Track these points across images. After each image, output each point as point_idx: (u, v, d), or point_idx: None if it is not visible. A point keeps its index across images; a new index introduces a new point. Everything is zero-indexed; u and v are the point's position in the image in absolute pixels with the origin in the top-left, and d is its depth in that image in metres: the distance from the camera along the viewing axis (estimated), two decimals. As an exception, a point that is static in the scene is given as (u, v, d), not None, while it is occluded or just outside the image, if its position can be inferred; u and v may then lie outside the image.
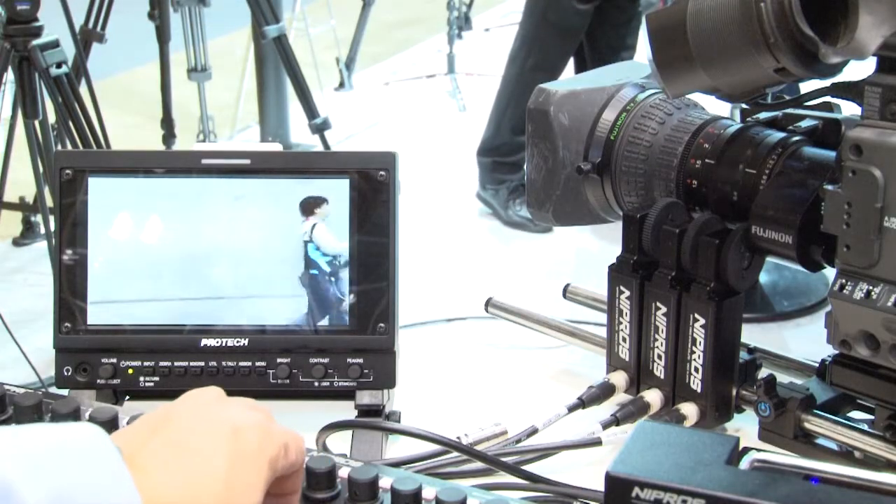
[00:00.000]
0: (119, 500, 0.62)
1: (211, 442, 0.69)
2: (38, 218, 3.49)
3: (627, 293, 1.13)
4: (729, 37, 0.96)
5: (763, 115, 1.15)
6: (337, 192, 1.12)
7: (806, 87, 1.10)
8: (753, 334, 1.20)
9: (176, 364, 1.12)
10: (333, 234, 1.12)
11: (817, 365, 1.13)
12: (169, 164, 1.14)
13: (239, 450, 0.69)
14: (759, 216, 1.06)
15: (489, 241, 3.15)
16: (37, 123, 2.59)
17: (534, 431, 1.09)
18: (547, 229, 3.29)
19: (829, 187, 0.97)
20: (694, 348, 1.08)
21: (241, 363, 1.12)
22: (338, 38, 5.57)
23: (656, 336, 1.12)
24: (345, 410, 1.12)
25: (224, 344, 1.12)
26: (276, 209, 1.13)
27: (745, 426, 1.12)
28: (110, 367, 1.12)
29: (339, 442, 1.06)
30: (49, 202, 2.60)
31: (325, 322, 1.12)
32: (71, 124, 2.56)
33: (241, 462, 0.69)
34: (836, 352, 1.01)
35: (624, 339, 1.15)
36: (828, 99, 1.07)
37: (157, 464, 0.67)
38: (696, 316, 1.08)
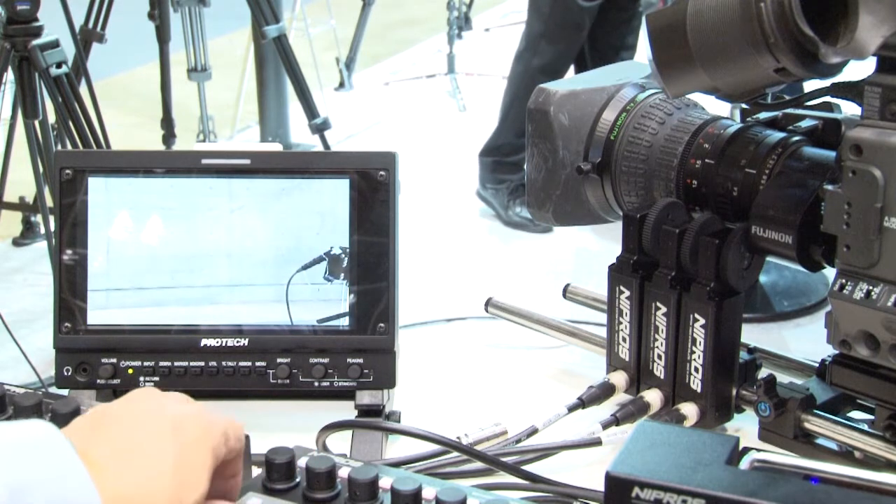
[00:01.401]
0: (76, 495, 0.64)
1: (155, 436, 0.71)
2: (38, 218, 3.50)
3: (627, 293, 1.13)
4: (729, 37, 0.96)
5: (763, 115, 1.15)
6: (337, 192, 1.12)
7: (806, 86, 1.10)
8: (753, 334, 1.20)
9: (176, 364, 1.12)
10: (333, 234, 1.12)
11: (817, 365, 1.13)
12: (169, 164, 1.14)
13: (182, 442, 0.71)
14: (759, 216, 1.06)
15: (489, 241, 3.15)
16: (37, 123, 2.59)
17: (534, 431, 1.09)
18: (547, 229, 3.29)
19: (829, 187, 0.97)
20: (694, 348, 1.08)
21: (241, 363, 1.12)
22: (338, 38, 5.57)
23: (656, 336, 1.12)
24: (345, 410, 1.12)
25: (224, 344, 1.12)
26: (276, 209, 1.13)
27: (745, 426, 1.12)
28: (110, 367, 1.12)
29: (339, 442, 1.06)
30: (49, 202, 2.60)
31: (325, 322, 1.12)
32: (71, 124, 2.56)
33: (186, 453, 0.71)
34: (836, 352, 1.01)
35: (624, 339, 1.15)
36: (828, 99, 1.07)
37: (107, 459, 0.68)
38: (696, 316, 1.08)
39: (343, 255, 1.12)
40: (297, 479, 0.80)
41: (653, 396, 1.13)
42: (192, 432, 0.73)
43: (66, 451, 0.65)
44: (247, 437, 0.96)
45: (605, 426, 1.09)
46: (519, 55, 3.66)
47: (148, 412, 0.74)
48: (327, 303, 1.12)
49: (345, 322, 1.12)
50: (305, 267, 1.12)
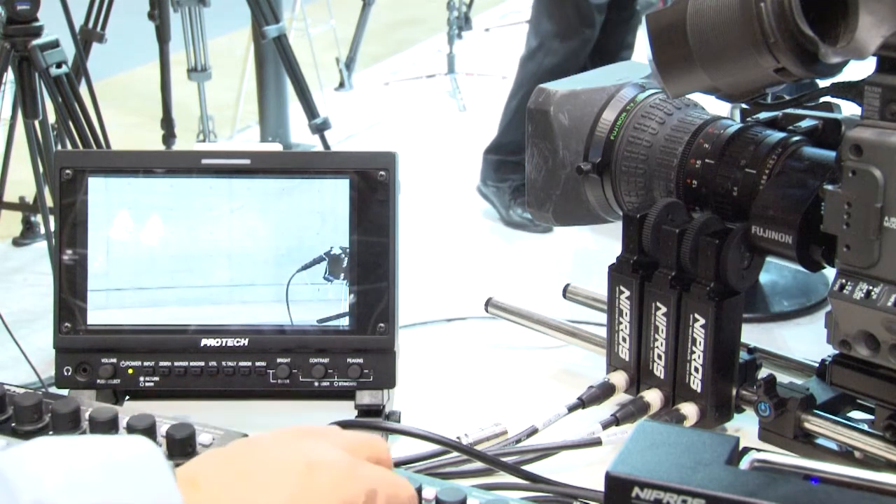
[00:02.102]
0: None
1: (278, 474, 0.67)
2: (38, 218, 3.50)
3: (627, 293, 1.13)
4: (729, 37, 0.96)
5: (763, 115, 1.15)
6: (337, 192, 1.12)
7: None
8: (753, 334, 1.20)
9: (176, 364, 1.12)
10: (334, 234, 1.12)
11: (817, 365, 1.13)
12: (169, 164, 1.14)
13: (308, 487, 0.66)
14: (759, 216, 1.06)
15: (490, 240, 3.15)
16: (37, 123, 2.59)
17: (534, 431, 1.09)
18: (547, 229, 3.28)
19: (829, 187, 0.97)
20: (694, 348, 1.08)
21: (241, 363, 1.12)
22: (338, 38, 5.57)
23: (656, 336, 1.12)
24: (345, 410, 1.12)
25: (224, 344, 1.12)
26: (277, 209, 1.13)
27: (745, 426, 1.12)
28: (110, 367, 1.12)
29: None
30: (49, 202, 2.60)
31: (325, 322, 1.12)
32: (71, 124, 2.56)
33: (307, 498, 0.66)
34: (836, 352, 1.01)
35: (624, 339, 1.15)
36: (828, 99, 1.07)
37: (217, 489, 0.65)
38: (696, 316, 1.08)
39: (343, 255, 1.12)
40: (297, 479, 0.80)
41: (653, 396, 1.13)
42: (324, 479, 0.67)
43: (162, 474, 0.62)
44: (246, 437, 0.96)
45: (605, 426, 1.09)
46: (530, 55, 3.64)
47: (287, 448, 0.69)
48: (327, 303, 1.12)
49: (345, 322, 1.12)
50: (305, 267, 1.12)
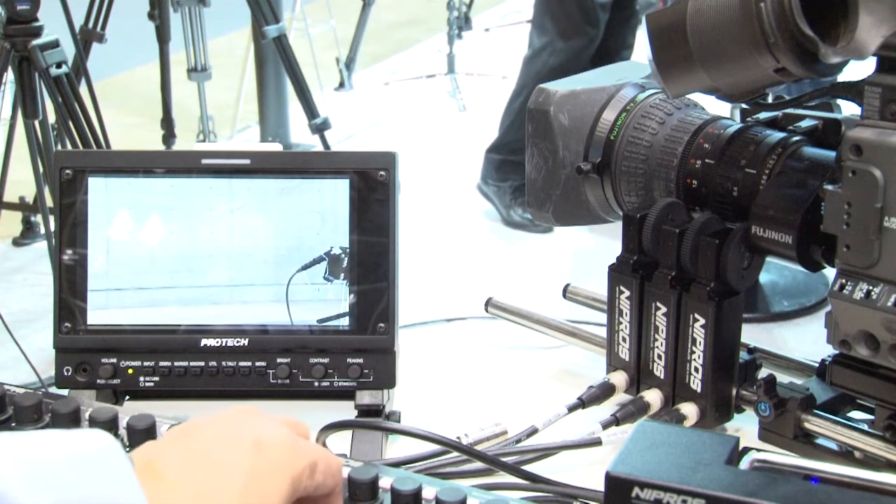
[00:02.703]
0: None
1: (231, 453, 0.69)
2: (38, 218, 3.50)
3: (627, 293, 1.13)
4: (729, 37, 0.96)
5: (763, 115, 1.15)
6: (337, 192, 1.12)
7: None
8: (753, 334, 1.20)
9: (176, 364, 1.12)
10: (334, 234, 1.12)
11: (817, 365, 1.13)
12: (169, 164, 1.14)
13: (259, 463, 0.69)
14: (759, 216, 1.06)
15: (490, 240, 3.15)
16: (37, 123, 2.59)
17: (534, 431, 1.09)
18: (547, 229, 3.28)
19: (829, 187, 0.97)
20: (694, 348, 1.08)
21: (241, 363, 1.12)
22: (338, 38, 5.57)
23: (656, 336, 1.12)
24: (345, 410, 1.12)
25: (224, 344, 1.12)
26: (277, 209, 1.13)
27: (745, 426, 1.12)
28: (110, 367, 1.12)
29: (339, 442, 1.06)
30: (49, 202, 2.60)
31: (325, 322, 1.12)
32: (71, 124, 2.56)
33: (261, 475, 0.68)
34: (836, 352, 1.01)
35: (624, 339, 1.15)
36: (828, 99, 1.07)
37: (175, 472, 0.66)
38: (696, 316, 1.08)
39: (343, 255, 1.12)
40: (297, 479, 0.80)
41: (653, 396, 1.13)
42: (273, 455, 0.70)
43: (122, 466, 0.63)
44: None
45: (605, 426, 1.09)
46: (533, 55, 3.63)
47: (233, 428, 0.71)
48: (327, 303, 1.12)
49: (345, 322, 1.12)
50: (305, 267, 1.12)
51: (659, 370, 1.12)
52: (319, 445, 0.76)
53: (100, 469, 0.62)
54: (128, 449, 0.94)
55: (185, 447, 0.69)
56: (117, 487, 0.62)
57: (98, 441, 0.64)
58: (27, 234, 3.66)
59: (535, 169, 1.28)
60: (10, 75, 2.55)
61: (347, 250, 1.12)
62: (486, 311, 1.39)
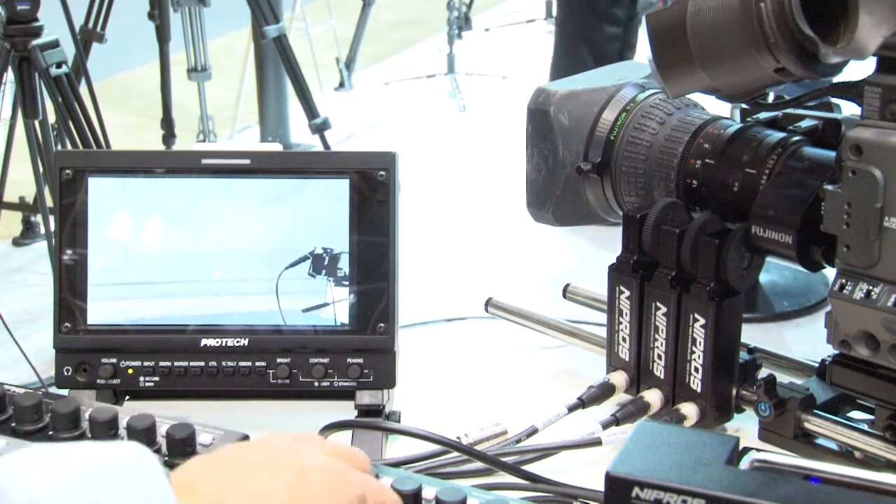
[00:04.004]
0: None
1: (273, 479, 0.67)
2: (38, 218, 3.49)
3: (627, 293, 1.13)
4: (729, 37, 0.96)
5: (763, 115, 1.15)
6: (337, 192, 1.12)
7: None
8: (753, 334, 1.20)
9: (176, 364, 1.12)
10: (333, 234, 1.12)
11: (817, 365, 1.13)
12: (169, 164, 1.14)
13: (301, 491, 0.67)
14: (759, 216, 1.06)
15: (490, 241, 3.15)
16: (37, 123, 2.59)
17: (534, 431, 1.09)
18: (547, 229, 3.26)
19: (829, 187, 0.97)
20: (694, 348, 1.08)
21: (241, 363, 1.12)
22: (338, 38, 5.57)
23: (656, 336, 1.12)
24: (345, 410, 1.12)
25: (224, 344, 1.12)
26: (276, 209, 1.13)
27: (745, 426, 1.12)
28: (110, 367, 1.12)
29: (340, 442, 1.06)
30: (49, 202, 2.60)
31: (325, 322, 1.12)
32: (71, 124, 2.55)
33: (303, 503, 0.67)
34: (836, 352, 1.01)
35: (624, 339, 1.15)
36: (828, 99, 1.07)
37: (213, 494, 0.65)
38: (696, 316, 1.08)
39: (343, 256, 1.12)
40: (297, 479, 0.80)
41: (653, 396, 1.13)
42: (317, 485, 0.68)
43: (157, 479, 0.62)
44: (247, 437, 0.96)
45: (605, 426, 1.09)
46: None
47: (279, 454, 0.70)
48: (327, 303, 1.12)
49: (345, 322, 1.12)
50: (305, 267, 1.12)
51: (659, 370, 1.12)
52: (373, 479, 0.73)
53: (135, 481, 0.61)
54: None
55: (226, 469, 0.68)
56: (152, 501, 0.61)
57: (134, 452, 0.63)
58: (27, 234, 3.66)
59: (535, 169, 1.28)
60: (10, 75, 2.55)
61: (347, 250, 1.12)
62: (486, 311, 1.39)
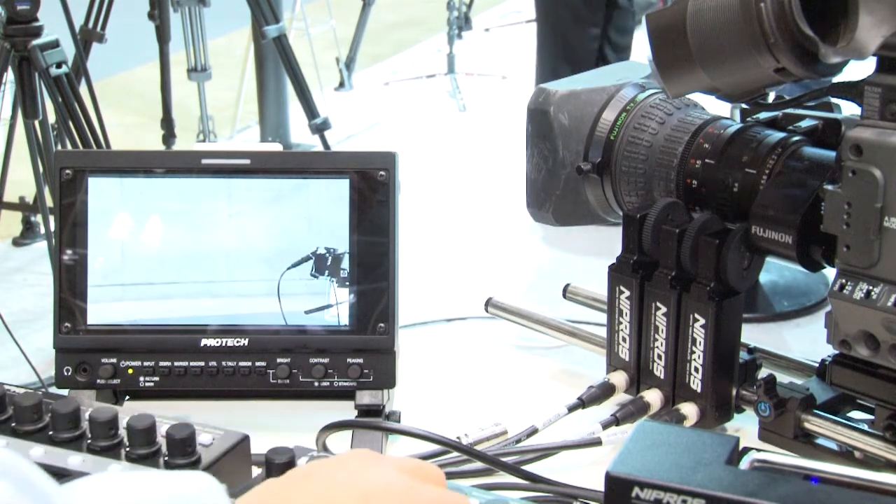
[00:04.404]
0: None
1: None
2: (38, 218, 3.49)
3: (627, 293, 1.13)
4: (729, 37, 0.96)
5: (763, 115, 1.15)
6: (337, 192, 1.12)
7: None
8: (753, 334, 1.20)
9: (176, 364, 1.12)
10: (333, 234, 1.12)
11: (817, 365, 1.13)
12: (169, 164, 1.14)
13: None
14: (759, 216, 1.06)
15: (490, 240, 3.15)
16: (37, 123, 2.59)
17: (534, 431, 1.09)
18: (547, 229, 3.27)
19: (829, 187, 0.97)
20: (694, 348, 1.08)
21: (241, 363, 1.12)
22: (338, 38, 5.57)
23: (656, 336, 1.12)
24: (345, 410, 1.12)
25: (224, 344, 1.12)
26: (276, 209, 1.13)
27: (745, 426, 1.12)
28: (110, 367, 1.12)
29: (339, 442, 1.06)
30: (49, 202, 2.60)
31: (325, 322, 1.12)
32: (71, 124, 2.55)
33: None
34: (836, 352, 1.01)
35: (624, 339, 1.15)
36: (828, 99, 1.07)
37: None
38: (696, 316, 1.08)
39: (343, 256, 1.12)
40: (297, 479, 0.80)
41: (653, 396, 1.13)
42: None
43: None
44: (247, 437, 0.97)
45: (605, 426, 1.09)
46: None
47: (343, 479, 0.68)
48: (327, 303, 1.12)
49: (345, 322, 1.12)
50: (305, 267, 1.12)
51: (659, 370, 1.12)
52: (444, 491, 0.71)
53: None
54: (127, 449, 0.94)
55: (291, 497, 0.67)
56: None
57: (201, 484, 0.63)
58: (27, 234, 3.66)
59: (535, 169, 1.28)
60: (10, 75, 2.55)
61: (347, 250, 1.12)
62: (486, 311, 1.39)
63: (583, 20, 3.22)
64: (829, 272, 1.03)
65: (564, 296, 1.39)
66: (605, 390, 1.15)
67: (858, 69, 0.97)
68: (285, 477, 0.70)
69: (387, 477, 0.69)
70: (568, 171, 1.24)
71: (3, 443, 0.94)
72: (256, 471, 0.96)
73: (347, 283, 1.12)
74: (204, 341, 1.12)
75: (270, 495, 0.68)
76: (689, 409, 1.10)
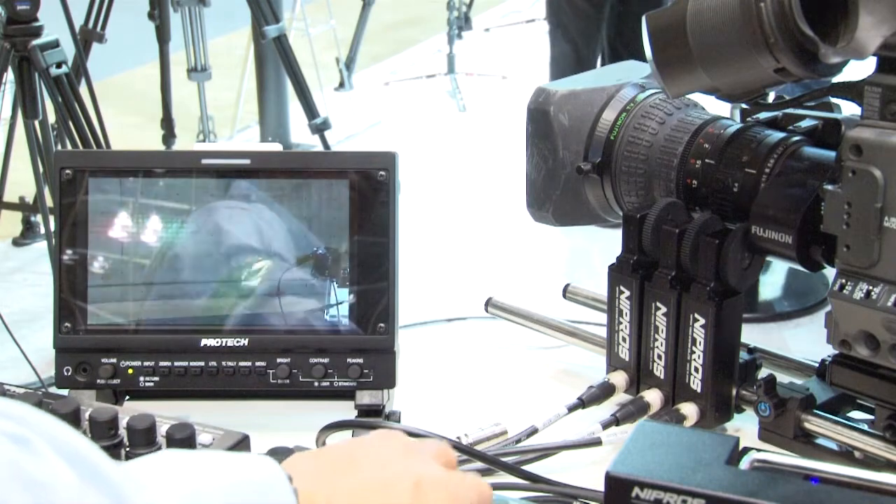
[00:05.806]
0: None
1: (393, 496, 0.68)
2: (38, 218, 3.49)
3: (627, 293, 1.13)
4: (729, 37, 0.96)
5: (763, 115, 1.15)
6: (337, 192, 1.12)
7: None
8: (753, 334, 1.20)
9: (176, 364, 1.12)
10: (333, 234, 1.12)
11: (817, 365, 1.13)
12: (169, 164, 1.14)
13: None
14: (759, 216, 1.06)
15: (490, 240, 3.14)
16: (37, 123, 2.58)
17: (534, 431, 1.09)
18: (546, 228, 3.26)
19: (829, 187, 0.97)
20: (694, 348, 1.08)
21: (241, 363, 1.12)
22: (338, 38, 5.57)
23: (656, 336, 1.12)
24: (345, 410, 1.12)
25: (224, 344, 1.12)
26: (276, 209, 1.13)
27: (745, 426, 1.12)
28: (110, 367, 1.12)
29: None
30: (49, 202, 2.60)
31: (324, 322, 1.12)
32: (71, 124, 2.55)
33: None
34: (836, 352, 1.01)
35: (624, 339, 1.15)
36: (828, 99, 1.07)
37: None
38: (696, 316, 1.08)
39: (343, 255, 1.12)
40: (297, 479, 0.80)
41: (653, 396, 1.13)
42: (433, 498, 0.70)
43: (287, 499, 0.63)
44: (247, 437, 0.97)
45: (605, 426, 1.09)
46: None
47: (393, 467, 0.71)
48: (327, 303, 1.12)
49: (345, 322, 1.12)
50: (305, 267, 1.12)
51: (659, 370, 1.12)
52: (469, 475, 0.75)
53: (264, 499, 0.62)
54: (127, 449, 0.94)
55: (345, 484, 0.68)
56: None
57: (265, 469, 0.64)
58: (27, 234, 3.66)
59: (535, 169, 1.28)
60: (9, 75, 2.55)
61: (347, 250, 1.12)
62: (486, 311, 1.39)
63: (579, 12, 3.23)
64: (829, 272, 1.03)
65: (564, 296, 1.39)
66: (605, 390, 1.15)
67: (858, 69, 0.97)
68: (329, 455, 0.71)
69: (432, 465, 0.72)
70: (568, 171, 1.24)
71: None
72: (256, 471, 0.96)
73: (347, 283, 1.12)
74: (204, 341, 1.12)
75: (326, 475, 0.68)
76: (689, 409, 1.10)
